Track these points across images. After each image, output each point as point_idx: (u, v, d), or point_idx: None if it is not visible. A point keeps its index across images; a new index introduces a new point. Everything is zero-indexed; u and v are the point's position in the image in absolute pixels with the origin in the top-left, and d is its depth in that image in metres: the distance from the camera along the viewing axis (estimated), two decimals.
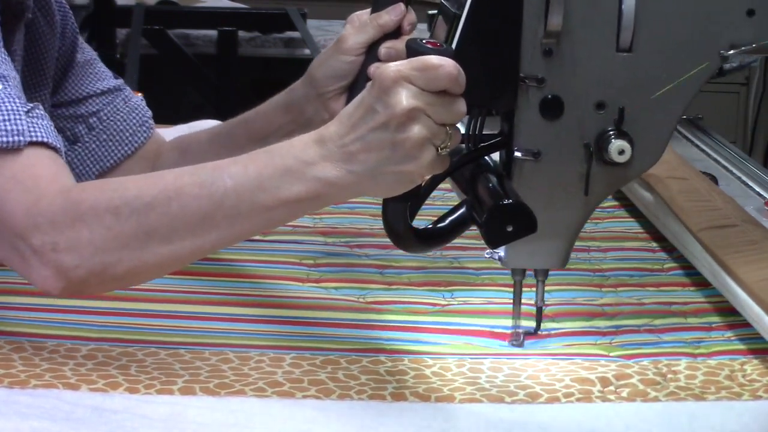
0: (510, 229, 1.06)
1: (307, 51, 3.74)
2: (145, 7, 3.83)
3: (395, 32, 1.30)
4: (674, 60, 1.11)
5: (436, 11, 1.30)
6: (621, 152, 1.10)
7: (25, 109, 1.12)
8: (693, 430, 1.09)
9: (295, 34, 3.86)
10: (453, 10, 1.11)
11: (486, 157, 1.15)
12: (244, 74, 3.84)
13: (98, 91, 1.46)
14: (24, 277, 1.11)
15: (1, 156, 1.10)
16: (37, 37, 1.39)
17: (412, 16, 1.31)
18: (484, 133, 1.14)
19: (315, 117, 1.35)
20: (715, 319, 1.32)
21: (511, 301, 1.35)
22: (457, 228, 1.13)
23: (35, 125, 1.12)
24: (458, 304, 1.35)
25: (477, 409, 1.11)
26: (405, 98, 1.01)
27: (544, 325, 1.30)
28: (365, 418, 1.08)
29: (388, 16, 1.29)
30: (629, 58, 1.10)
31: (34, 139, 1.11)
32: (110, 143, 1.45)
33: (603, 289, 1.39)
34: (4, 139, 1.09)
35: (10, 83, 1.14)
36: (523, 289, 1.37)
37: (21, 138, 1.10)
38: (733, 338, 1.27)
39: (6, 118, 1.10)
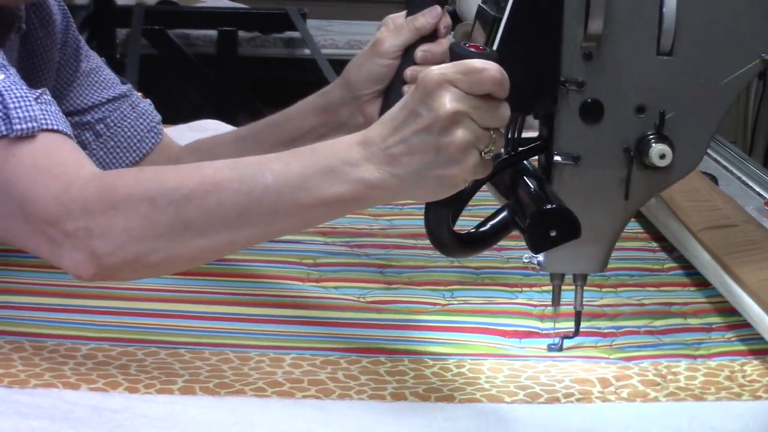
0: (554, 234, 1.05)
1: (307, 51, 3.74)
2: (145, 7, 3.83)
3: (431, 35, 1.29)
4: (715, 63, 1.10)
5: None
6: (662, 156, 1.10)
7: (34, 96, 1.11)
8: (693, 430, 1.09)
9: (295, 34, 3.86)
10: (493, 13, 1.11)
11: (524, 161, 1.15)
12: (244, 74, 3.84)
13: (104, 99, 1.45)
14: (52, 262, 1.10)
15: (17, 144, 1.08)
16: (34, 50, 1.38)
17: (447, 19, 1.30)
18: (522, 136, 1.14)
19: (349, 120, 1.35)
20: (716, 319, 1.32)
21: (510, 300, 1.36)
22: (499, 232, 1.11)
23: (46, 112, 1.11)
24: (458, 304, 1.35)
25: (477, 409, 1.11)
26: (449, 101, 1.00)
27: (545, 324, 1.30)
28: (365, 418, 1.08)
29: (425, 19, 1.29)
30: (670, 61, 1.10)
31: (47, 126, 1.10)
32: (118, 150, 1.44)
33: (603, 290, 1.39)
34: (18, 126, 1.08)
35: (11, 72, 1.13)
36: (531, 289, 1.38)
37: (34, 124, 1.09)
38: (733, 339, 1.27)
39: (17, 105, 1.09)
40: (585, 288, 1.37)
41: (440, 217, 1.08)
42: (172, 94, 3.44)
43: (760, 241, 1.37)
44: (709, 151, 1.90)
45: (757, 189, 1.72)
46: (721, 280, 1.31)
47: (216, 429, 1.05)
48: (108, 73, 1.48)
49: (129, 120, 1.46)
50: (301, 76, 3.76)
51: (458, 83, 1.00)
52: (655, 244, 1.55)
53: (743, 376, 1.18)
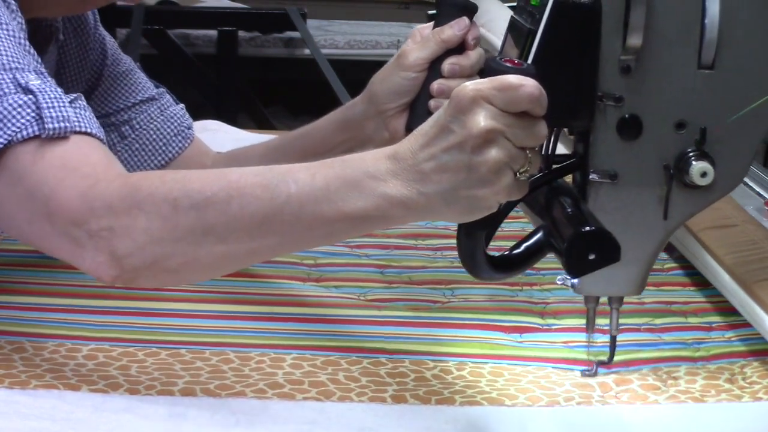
0: (592, 257, 1.01)
1: (307, 51, 3.74)
2: (145, 7, 3.83)
3: (459, 47, 1.25)
4: (758, 78, 1.07)
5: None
6: (703, 174, 1.06)
7: (69, 99, 1.10)
8: (693, 431, 1.09)
9: (295, 34, 3.87)
10: (527, 25, 1.07)
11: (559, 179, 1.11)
12: (244, 74, 3.85)
13: (130, 103, 1.44)
14: (75, 264, 1.08)
15: (48, 145, 1.07)
16: (68, 59, 1.38)
17: (476, 30, 1.26)
18: (556, 153, 1.10)
19: (374, 135, 1.32)
20: (716, 318, 1.32)
21: (511, 298, 1.36)
22: (534, 255, 1.07)
23: (79, 115, 1.09)
24: (459, 301, 1.35)
25: (477, 411, 1.11)
26: (483, 119, 0.95)
27: (545, 320, 1.30)
28: (365, 420, 1.08)
29: (452, 31, 1.25)
30: (711, 75, 1.06)
31: (80, 129, 1.09)
32: (143, 153, 1.43)
33: None
34: (50, 126, 1.07)
35: (48, 78, 1.12)
36: (531, 288, 1.38)
37: (67, 125, 1.07)
38: (733, 339, 1.27)
39: (50, 105, 1.08)
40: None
41: (473, 240, 1.04)
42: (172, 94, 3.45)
43: (760, 241, 1.37)
44: None
45: (757, 189, 1.72)
46: (722, 280, 1.31)
47: (216, 430, 1.05)
48: (140, 77, 1.47)
49: (156, 123, 1.44)
50: (301, 76, 3.77)
51: (493, 100, 0.95)
52: None
53: (743, 378, 1.18)
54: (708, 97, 1.07)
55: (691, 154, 1.07)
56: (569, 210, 1.05)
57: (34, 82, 1.09)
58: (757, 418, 1.11)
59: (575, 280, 1.13)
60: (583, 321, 1.28)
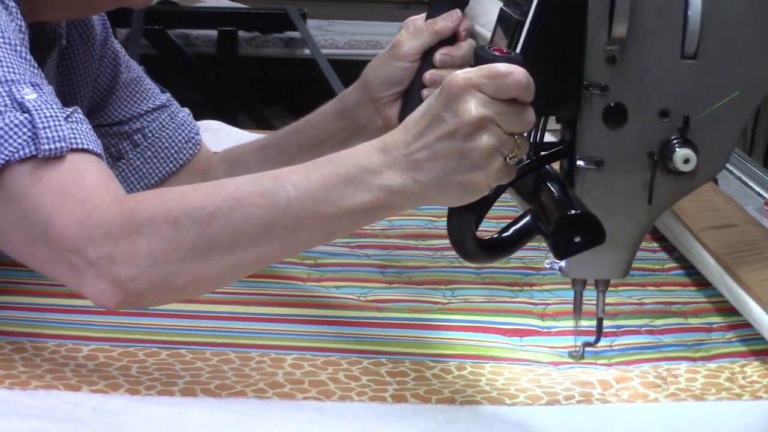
0: (578, 239, 1.04)
1: (307, 51, 3.74)
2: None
3: (451, 38, 1.28)
4: (740, 67, 1.09)
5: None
6: (686, 161, 1.08)
7: (64, 115, 1.08)
8: (693, 430, 1.09)
9: (295, 34, 3.86)
10: (516, 16, 1.10)
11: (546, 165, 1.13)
12: (244, 74, 3.84)
13: (143, 110, 1.44)
14: (76, 290, 1.08)
15: (45, 167, 1.06)
16: (73, 66, 1.38)
17: (468, 22, 1.29)
18: (544, 141, 1.13)
19: (369, 123, 1.34)
20: (716, 319, 1.32)
21: (511, 299, 1.36)
22: (522, 238, 1.10)
23: (76, 131, 1.08)
24: (459, 302, 1.35)
25: (477, 410, 1.11)
26: (474, 107, 0.98)
27: (545, 323, 1.30)
28: (366, 419, 1.08)
29: (445, 22, 1.28)
30: (694, 65, 1.08)
31: (77, 146, 1.07)
32: (155, 160, 1.44)
33: None
34: (46, 146, 1.05)
35: (44, 90, 1.10)
36: (531, 288, 1.38)
37: (63, 144, 1.06)
38: (733, 339, 1.27)
39: (46, 124, 1.06)
40: (586, 287, 1.37)
41: (463, 224, 1.07)
42: (172, 94, 3.45)
43: (760, 241, 1.37)
44: None
45: (757, 189, 1.72)
46: (722, 280, 1.31)
47: (217, 430, 1.05)
48: (148, 83, 1.47)
49: (167, 130, 1.45)
50: (301, 76, 3.76)
51: (484, 88, 0.98)
52: (655, 244, 1.55)
53: (744, 377, 1.18)
54: (691, 86, 1.09)
55: (674, 141, 1.09)
56: (556, 195, 1.08)
57: (29, 96, 1.08)
58: (757, 417, 1.11)
59: (562, 263, 1.15)
60: (584, 323, 1.29)
